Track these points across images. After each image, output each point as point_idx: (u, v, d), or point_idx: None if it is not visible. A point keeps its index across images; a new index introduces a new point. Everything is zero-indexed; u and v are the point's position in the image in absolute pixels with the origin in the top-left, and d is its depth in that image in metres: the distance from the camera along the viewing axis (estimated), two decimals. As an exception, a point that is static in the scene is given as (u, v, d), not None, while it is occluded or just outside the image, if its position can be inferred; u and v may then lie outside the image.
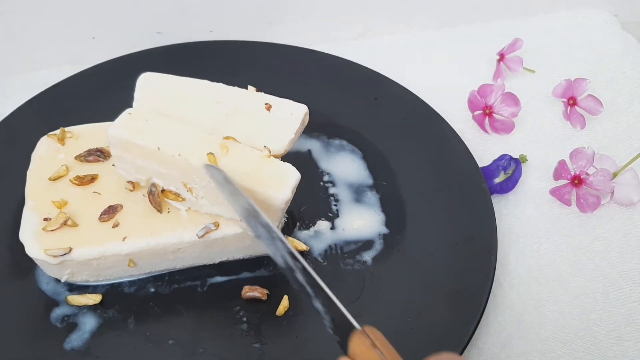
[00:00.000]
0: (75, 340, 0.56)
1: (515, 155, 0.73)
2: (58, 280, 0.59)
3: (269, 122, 0.59)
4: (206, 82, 0.62)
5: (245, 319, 0.58)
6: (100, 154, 0.62)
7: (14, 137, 0.69)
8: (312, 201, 0.67)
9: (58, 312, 0.58)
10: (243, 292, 0.59)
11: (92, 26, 0.84)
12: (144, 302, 0.59)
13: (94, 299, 0.58)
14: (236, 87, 0.62)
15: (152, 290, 0.60)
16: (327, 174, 0.70)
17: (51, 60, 0.84)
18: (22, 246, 0.57)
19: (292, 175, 0.55)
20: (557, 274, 0.64)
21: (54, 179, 0.60)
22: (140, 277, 0.60)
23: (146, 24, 0.85)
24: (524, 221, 0.69)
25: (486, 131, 0.77)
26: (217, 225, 0.58)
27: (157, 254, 0.58)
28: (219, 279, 0.61)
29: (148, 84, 0.62)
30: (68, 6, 0.81)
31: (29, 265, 0.59)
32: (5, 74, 0.84)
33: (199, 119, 0.59)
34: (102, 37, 0.85)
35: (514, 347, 0.59)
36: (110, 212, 0.58)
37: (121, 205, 0.58)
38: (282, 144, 0.59)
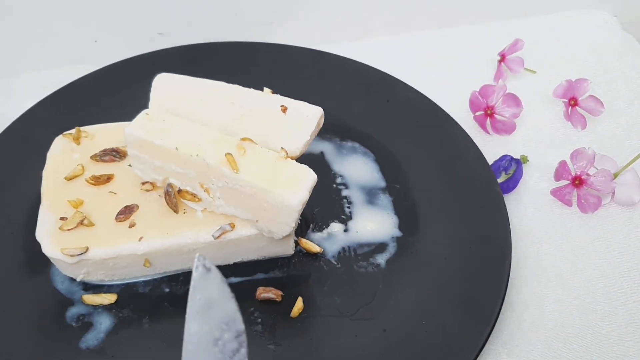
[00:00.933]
0: (90, 339, 0.56)
1: (516, 156, 0.74)
2: (73, 280, 0.59)
3: (284, 123, 0.60)
4: (222, 83, 0.62)
5: (259, 320, 0.58)
6: (115, 154, 0.62)
7: (28, 136, 0.69)
8: (325, 203, 0.67)
9: (73, 311, 0.58)
10: (257, 293, 0.59)
11: (93, 27, 0.84)
12: (158, 302, 0.59)
13: (109, 298, 0.58)
14: (252, 89, 0.62)
15: (167, 290, 0.60)
16: (340, 176, 0.70)
17: (52, 61, 0.84)
18: (37, 245, 0.57)
19: (308, 177, 0.55)
20: (558, 274, 0.65)
21: (69, 179, 0.60)
22: (154, 277, 0.61)
23: (146, 25, 0.85)
24: (524, 222, 0.69)
25: (487, 132, 0.78)
26: (232, 226, 0.58)
27: (172, 254, 0.58)
28: (233, 279, 0.61)
29: (164, 84, 0.62)
30: (69, 7, 0.81)
31: (44, 264, 0.60)
32: (6, 74, 0.83)
33: (214, 120, 0.59)
34: (103, 38, 0.85)
35: (515, 346, 0.59)
36: (127, 212, 0.58)
37: (137, 206, 0.59)
38: (298, 146, 0.59)
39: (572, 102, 0.77)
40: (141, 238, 0.57)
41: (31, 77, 0.83)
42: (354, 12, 0.89)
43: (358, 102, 0.76)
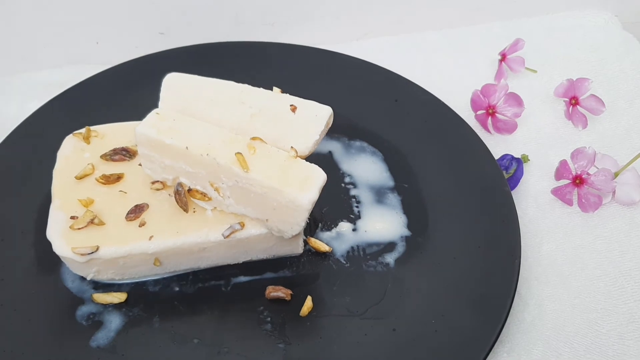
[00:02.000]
0: (101, 338, 0.57)
1: (517, 155, 0.74)
2: (83, 278, 0.60)
3: (294, 123, 0.60)
4: (231, 82, 0.62)
5: (269, 318, 0.59)
6: (125, 153, 0.62)
7: (39, 135, 0.70)
8: (333, 202, 0.67)
9: (84, 310, 0.58)
10: (267, 292, 0.60)
11: (93, 26, 0.84)
12: (168, 301, 0.60)
13: (119, 297, 0.58)
14: (261, 88, 0.62)
15: (177, 289, 0.60)
16: (349, 175, 0.70)
17: (52, 61, 0.85)
18: (47, 244, 0.57)
19: (318, 176, 0.55)
20: (558, 273, 0.65)
21: (80, 178, 0.61)
22: (164, 276, 0.61)
23: (147, 25, 0.85)
24: (525, 221, 0.69)
25: (489, 131, 0.78)
26: (242, 225, 0.58)
27: (182, 253, 0.58)
28: (242, 278, 0.61)
29: (174, 84, 0.62)
30: (69, 6, 0.81)
31: (54, 263, 0.60)
32: (6, 74, 0.84)
33: (224, 119, 0.60)
34: (103, 38, 0.85)
35: (515, 345, 0.59)
36: (137, 211, 0.58)
37: (147, 205, 0.59)
38: (307, 145, 0.59)
39: (573, 102, 0.77)
40: (151, 237, 0.57)
41: (31, 77, 0.83)
42: (354, 12, 0.89)
43: (366, 102, 0.76)
